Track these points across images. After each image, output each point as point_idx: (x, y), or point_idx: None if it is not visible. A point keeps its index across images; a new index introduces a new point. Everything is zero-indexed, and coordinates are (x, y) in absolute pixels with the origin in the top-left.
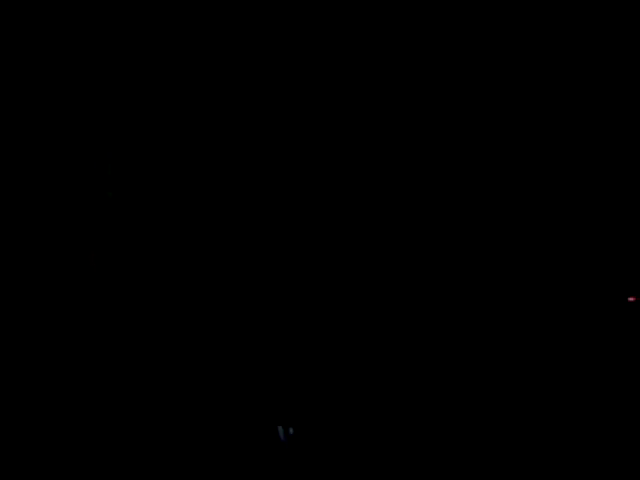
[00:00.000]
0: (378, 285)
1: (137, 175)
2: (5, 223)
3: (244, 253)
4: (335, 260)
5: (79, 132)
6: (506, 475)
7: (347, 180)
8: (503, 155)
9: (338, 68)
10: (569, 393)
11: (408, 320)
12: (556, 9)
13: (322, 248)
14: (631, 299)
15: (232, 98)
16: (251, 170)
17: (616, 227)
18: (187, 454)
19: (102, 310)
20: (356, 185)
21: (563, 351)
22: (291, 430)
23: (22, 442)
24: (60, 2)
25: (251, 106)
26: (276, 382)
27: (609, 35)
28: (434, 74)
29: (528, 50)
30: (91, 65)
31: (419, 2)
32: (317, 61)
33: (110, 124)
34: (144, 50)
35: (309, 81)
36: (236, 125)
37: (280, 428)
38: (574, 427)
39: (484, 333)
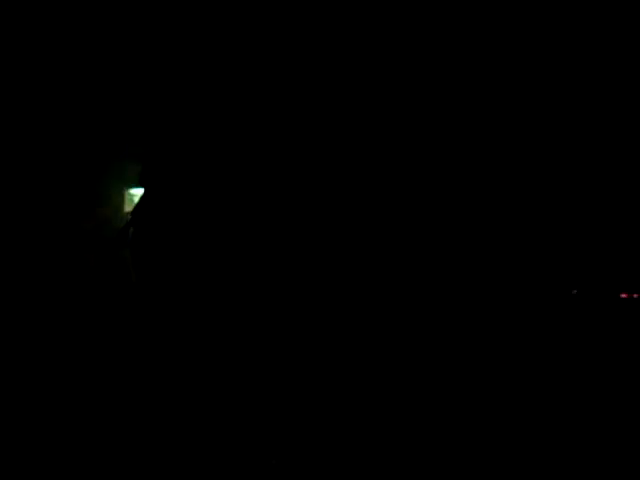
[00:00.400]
0: (378, 286)
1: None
2: (7, 222)
3: (244, 254)
4: (335, 262)
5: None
6: (506, 475)
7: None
8: (502, 155)
9: (340, 69)
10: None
11: (407, 321)
12: (556, 9)
13: (322, 249)
14: (624, 295)
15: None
16: (254, 172)
17: (611, 225)
18: (184, 455)
19: (102, 309)
20: (357, 186)
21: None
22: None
23: (22, 442)
24: (88, 4)
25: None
26: (274, 384)
27: (609, 35)
28: (434, 75)
29: (528, 50)
30: (111, 68)
31: (420, 2)
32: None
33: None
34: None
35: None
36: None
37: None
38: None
39: (483, 332)
